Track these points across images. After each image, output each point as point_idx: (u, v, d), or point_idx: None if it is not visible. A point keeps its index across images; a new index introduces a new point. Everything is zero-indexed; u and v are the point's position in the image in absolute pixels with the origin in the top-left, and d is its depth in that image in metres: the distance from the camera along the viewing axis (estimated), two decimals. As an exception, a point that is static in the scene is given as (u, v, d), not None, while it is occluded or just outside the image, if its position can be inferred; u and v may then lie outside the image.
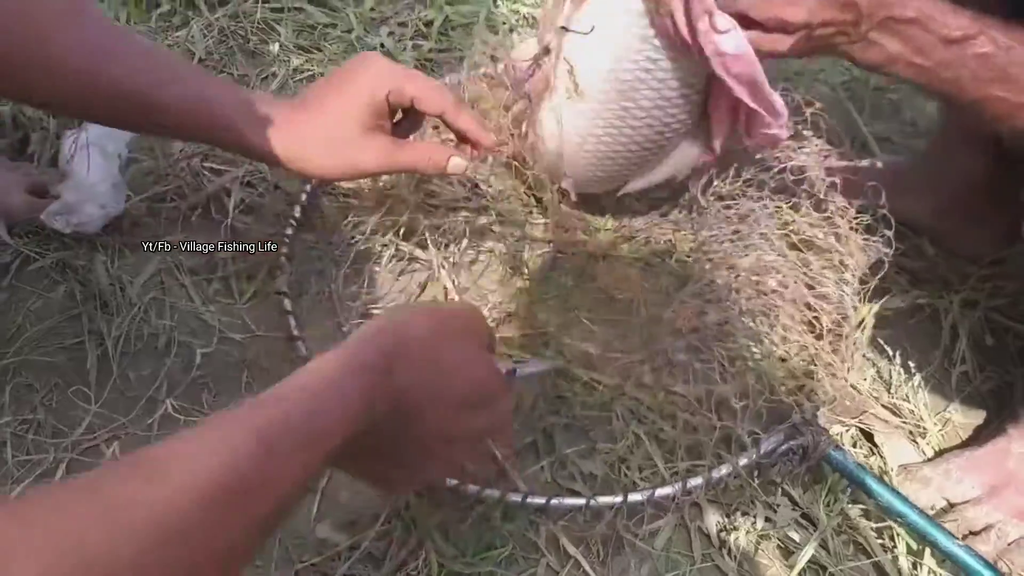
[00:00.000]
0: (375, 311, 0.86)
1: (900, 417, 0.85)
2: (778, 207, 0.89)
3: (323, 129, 0.68)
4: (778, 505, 0.76)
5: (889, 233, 0.82)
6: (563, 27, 0.76)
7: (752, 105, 0.70)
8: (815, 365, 0.81)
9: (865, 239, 0.84)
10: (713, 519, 0.74)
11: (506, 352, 0.82)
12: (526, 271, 0.90)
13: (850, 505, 0.76)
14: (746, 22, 0.65)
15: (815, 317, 0.84)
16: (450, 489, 0.70)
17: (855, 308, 0.83)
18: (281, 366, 0.80)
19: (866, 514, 0.76)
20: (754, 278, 0.84)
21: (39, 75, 0.59)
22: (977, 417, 0.87)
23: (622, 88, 0.76)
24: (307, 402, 0.42)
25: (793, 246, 0.88)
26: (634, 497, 0.71)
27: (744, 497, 0.76)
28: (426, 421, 0.51)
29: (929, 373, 0.89)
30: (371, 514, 0.71)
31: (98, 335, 0.80)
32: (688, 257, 0.91)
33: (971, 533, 0.76)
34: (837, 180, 0.87)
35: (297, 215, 0.90)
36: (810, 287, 0.84)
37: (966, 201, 0.96)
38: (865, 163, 1.09)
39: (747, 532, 0.74)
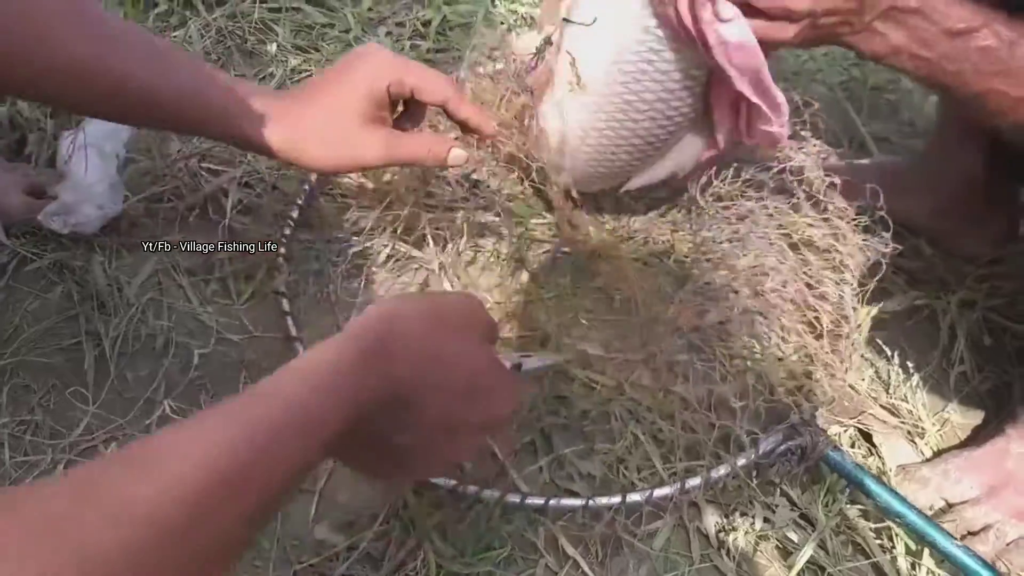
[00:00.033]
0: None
1: (899, 417, 0.85)
2: (777, 208, 0.89)
3: (322, 121, 0.67)
4: (776, 505, 0.76)
5: (887, 235, 0.82)
6: (565, 18, 0.75)
7: (754, 99, 0.70)
8: (814, 365, 0.81)
9: (864, 239, 0.84)
10: (712, 519, 0.74)
11: (509, 349, 0.81)
12: (526, 271, 0.90)
13: (849, 505, 0.76)
14: (749, 11, 0.65)
15: (815, 317, 0.84)
16: (449, 489, 0.70)
17: (855, 309, 0.83)
18: (279, 367, 0.80)
19: (865, 514, 0.76)
20: (753, 278, 0.84)
21: (40, 71, 0.59)
22: (975, 417, 0.87)
23: (625, 80, 0.75)
24: (303, 393, 0.42)
25: (792, 246, 0.88)
26: (633, 497, 0.71)
27: (743, 497, 0.76)
28: (425, 411, 0.50)
29: (927, 373, 0.89)
30: (369, 515, 0.71)
31: (96, 336, 0.80)
32: (687, 257, 0.91)
33: (970, 533, 0.76)
34: (836, 181, 0.87)
35: (295, 215, 0.90)
36: (809, 287, 0.84)
37: (964, 201, 0.96)
38: (863, 163, 1.09)
39: (746, 532, 0.74)
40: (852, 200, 0.87)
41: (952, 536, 0.71)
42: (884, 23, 0.65)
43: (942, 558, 0.72)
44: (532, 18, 1.26)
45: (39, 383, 0.77)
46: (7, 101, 0.97)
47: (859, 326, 0.88)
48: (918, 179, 0.99)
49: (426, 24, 1.22)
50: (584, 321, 0.86)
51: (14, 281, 0.84)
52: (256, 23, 1.17)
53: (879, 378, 0.88)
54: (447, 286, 0.88)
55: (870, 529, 0.75)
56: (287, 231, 0.89)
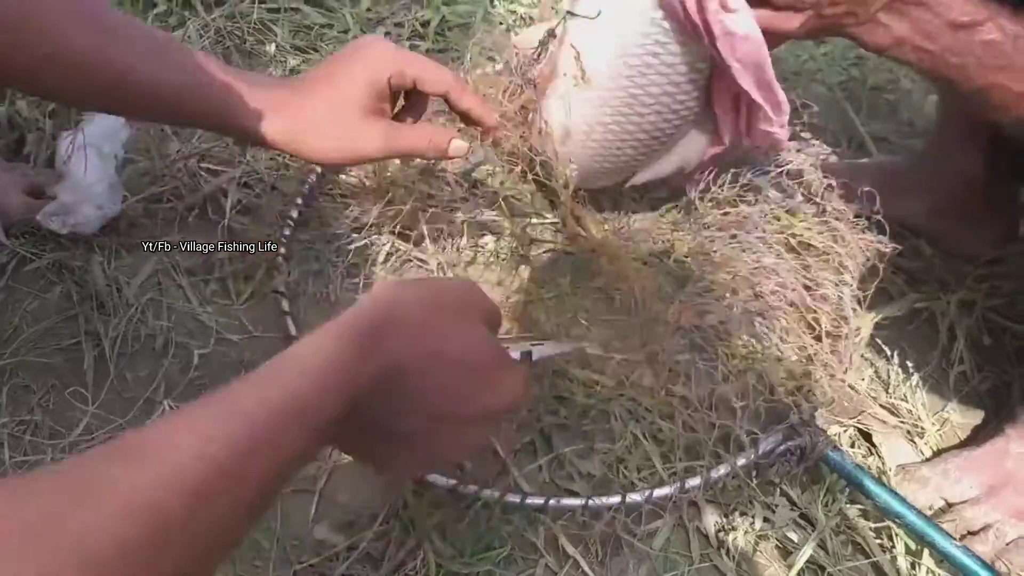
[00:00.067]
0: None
1: (898, 417, 0.85)
2: (776, 215, 0.89)
3: (321, 112, 0.67)
4: (776, 505, 0.76)
5: (885, 238, 0.82)
6: (569, 11, 0.75)
7: (754, 96, 0.69)
8: (813, 365, 0.81)
9: (864, 240, 0.84)
10: (711, 519, 0.74)
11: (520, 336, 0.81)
12: (526, 270, 0.90)
13: (848, 505, 0.76)
14: (755, 1, 0.65)
15: (814, 318, 0.84)
16: (449, 489, 0.70)
17: (854, 310, 0.83)
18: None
19: (864, 514, 0.76)
20: (753, 279, 0.84)
21: (40, 63, 0.59)
22: (975, 417, 0.87)
23: (630, 73, 0.74)
24: (301, 381, 0.41)
25: (791, 248, 0.88)
26: (632, 497, 0.71)
27: (742, 497, 0.76)
28: (426, 399, 0.49)
29: (927, 373, 0.89)
30: (369, 514, 0.71)
31: (95, 336, 0.80)
32: (687, 257, 0.90)
33: (969, 533, 0.76)
34: (834, 183, 0.87)
35: (294, 215, 0.90)
36: (808, 288, 0.84)
37: (963, 201, 0.96)
38: (863, 163, 1.09)
39: (745, 532, 0.74)
40: (850, 202, 0.87)
41: (951, 536, 0.71)
42: (888, 14, 0.65)
43: (941, 558, 0.72)
44: (531, 18, 1.26)
45: (39, 383, 0.77)
46: (6, 101, 0.97)
47: (858, 330, 0.88)
48: (917, 179, 0.99)
49: (425, 24, 1.22)
50: (584, 321, 0.86)
51: (13, 281, 0.84)
52: (255, 23, 1.17)
53: (879, 378, 0.89)
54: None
55: (870, 529, 0.75)
56: (287, 231, 0.89)
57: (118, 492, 0.31)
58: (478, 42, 1.02)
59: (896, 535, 0.75)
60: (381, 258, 0.90)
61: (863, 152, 1.15)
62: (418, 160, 0.89)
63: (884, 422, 0.84)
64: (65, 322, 0.82)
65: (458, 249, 0.92)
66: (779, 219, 0.89)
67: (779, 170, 0.87)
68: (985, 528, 0.75)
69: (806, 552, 0.72)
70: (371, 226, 0.91)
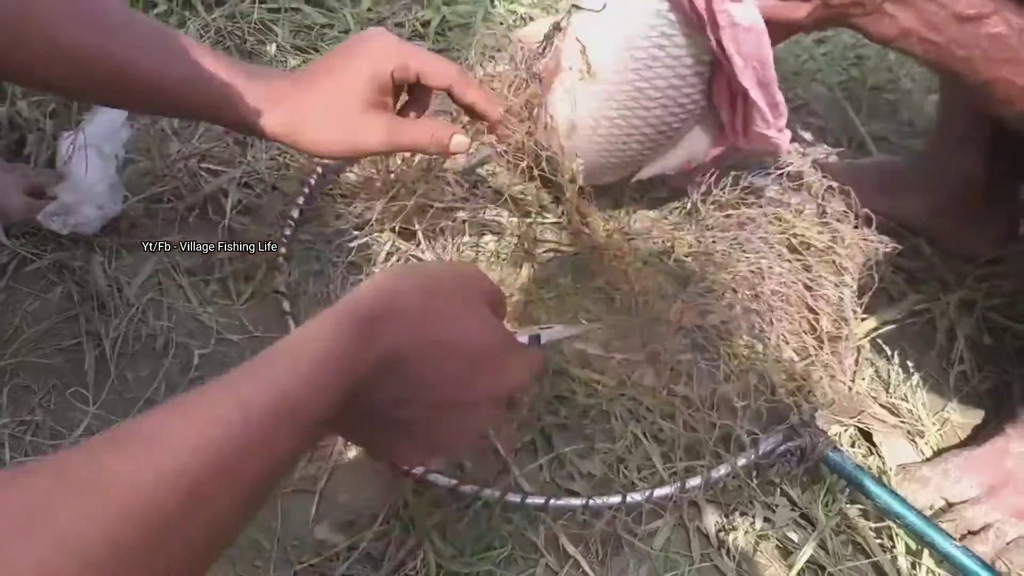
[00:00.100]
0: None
1: (898, 417, 0.85)
2: (777, 216, 0.89)
3: (322, 105, 0.66)
4: (777, 505, 0.76)
5: (884, 239, 0.82)
6: (574, 4, 0.74)
7: (753, 94, 0.69)
8: (814, 365, 0.81)
9: (865, 240, 0.85)
10: (712, 519, 0.74)
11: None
12: (527, 269, 0.90)
13: (848, 505, 0.76)
14: None
15: (815, 319, 0.84)
16: (449, 489, 0.70)
17: (854, 311, 0.83)
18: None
19: (865, 514, 0.76)
20: (754, 279, 0.84)
21: (41, 57, 0.59)
22: (975, 417, 0.87)
23: (636, 66, 0.74)
24: (297, 367, 0.41)
25: (792, 249, 0.88)
26: (633, 497, 0.71)
27: (743, 497, 0.76)
28: (427, 387, 0.48)
29: (927, 373, 0.89)
30: (369, 514, 0.71)
31: (96, 336, 0.80)
32: (688, 257, 0.91)
33: (970, 533, 0.76)
34: (834, 184, 0.87)
35: (295, 215, 0.90)
36: (809, 289, 0.84)
37: (964, 201, 0.96)
38: (863, 162, 1.09)
39: (746, 532, 0.74)
40: (850, 202, 0.87)
41: (951, 537, 0.71)
42: (894, 5, 0.64)
43: (941, 558, 0.72)
44: (532, 18, 1.27)
45: (39, 384, 0.77)
46: (7, 102, 0.97)
47: (858, 335, 0.88)
48: (918, 179, 0.99)
49: (425, 24, 1.22)
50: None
51: (14, 282, 0.84)
52: (255, 23, 1.17)
53: (879, 377, 0.89)
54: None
55: (870, 528, 0.75)
56: (287, 231, 0.89)
57: (108, 483, 0.31)
58: (479, 42, 1.02)
59: (896, 535, 0.75)
60: (382, 257, 0.90)
61: (863, 152, 1.15)
62: (420, 156, 0.89)
63: (884, 422, 0.84)
64: (66, 322, 0.82)
65: (459, 248, 0.92)
66: (780, 220, 0.89)
67: (779, 172, 0.87)
68: (985, 528, 0.75)
69: (806, 552, 0.72)
70: (373, 223, 0.91)
